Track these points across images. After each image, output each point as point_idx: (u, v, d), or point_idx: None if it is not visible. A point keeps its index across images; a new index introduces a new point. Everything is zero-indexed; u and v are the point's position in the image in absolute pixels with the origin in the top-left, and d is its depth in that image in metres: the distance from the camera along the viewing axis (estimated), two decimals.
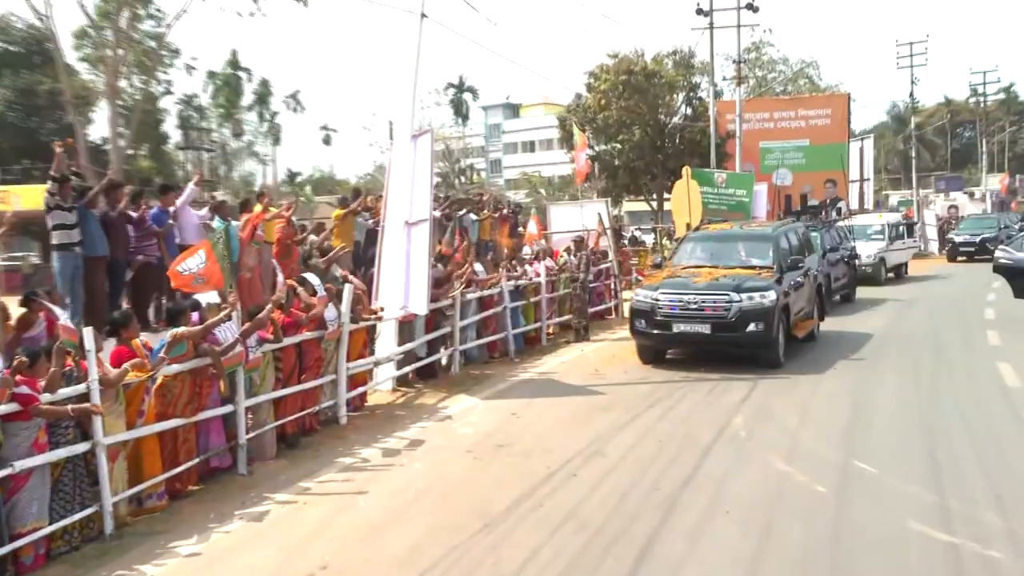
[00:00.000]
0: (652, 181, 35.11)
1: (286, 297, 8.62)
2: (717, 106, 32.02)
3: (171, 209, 11.12)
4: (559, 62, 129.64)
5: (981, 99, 61.93)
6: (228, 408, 7.75)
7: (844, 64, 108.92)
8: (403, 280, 10.92)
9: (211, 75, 57.35)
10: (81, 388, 6.28)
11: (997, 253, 16.34)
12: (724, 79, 37.67)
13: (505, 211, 19.08)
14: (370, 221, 14.32)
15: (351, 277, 10.60)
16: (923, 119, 60.68)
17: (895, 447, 8.04)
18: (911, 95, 49.00)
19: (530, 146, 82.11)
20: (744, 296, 11.66)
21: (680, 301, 11.90)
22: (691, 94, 35.40)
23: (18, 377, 5.91)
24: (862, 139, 38.81)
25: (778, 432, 8.69)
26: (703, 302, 11.79)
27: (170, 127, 52.54)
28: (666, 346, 12.60)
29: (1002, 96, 68.20)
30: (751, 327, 11.54)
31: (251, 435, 7.96)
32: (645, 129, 33.39)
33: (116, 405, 6.63)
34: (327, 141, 76.36)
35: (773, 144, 33.52)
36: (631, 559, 5.64)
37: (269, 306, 8.15)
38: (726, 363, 11.86)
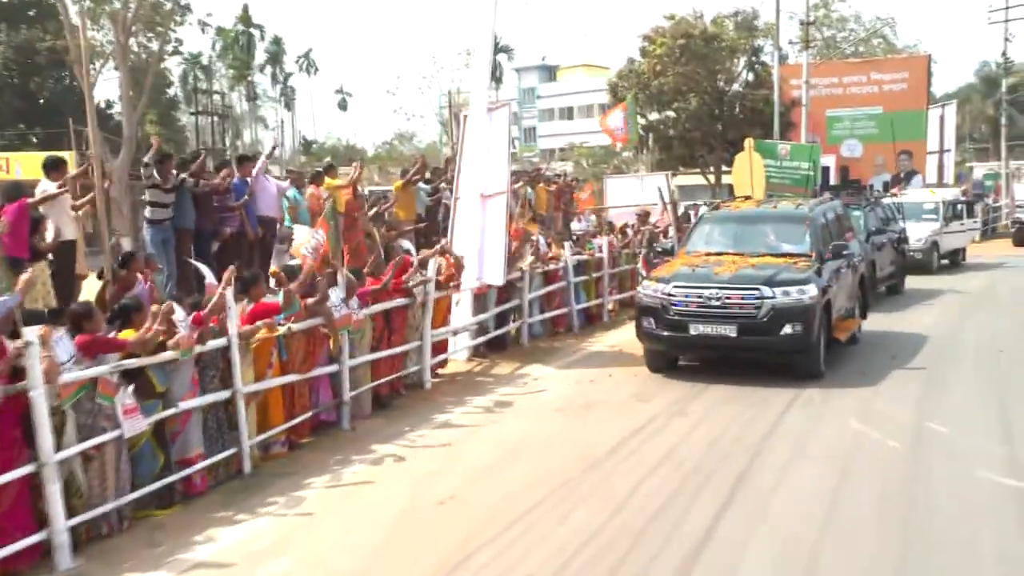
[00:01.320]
0: (709, 153, 36.58)
1: (400, 262, 10.41)
2: (781, 71, 32.98)
3: (248, 180, 12.86)
4: (601, 20, 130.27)
5: None
6: (335, 367, 9.46)
7: (924, 21, 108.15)
8: (478, 252, 12.60)
9: (219, 31, 59.22)
10: (222, 341, 7.99)
11: None
12: (790, 42, 38.83)
13: (561, 183, 20.82)
14: (429, 199, 15.99)
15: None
16: (1018, 80, 59.35)
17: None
18: (1004, 54, 46.93)
19: (568, 112, 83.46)
20: (778, 291, 10.83)
21: (699, 297, 11.07)
22: (753, 58, 36.66)
23: None
24: (943, 105, 38.76)
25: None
26: (727, 298, 10.93)
27: (173, 89, 54.47)
28: (680, 351, 11.80)
29: None
30: (787, 329, 10.72)
31: (354, 392, 9.67)
32: (702, 97, 34.77)
33: (247, 356, 8.36)
34: (343, 106, 78.29)
35: (842, 112, 34.23)
36: (726, 490, 7.29)
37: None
38: (752, 372, 11.29)
